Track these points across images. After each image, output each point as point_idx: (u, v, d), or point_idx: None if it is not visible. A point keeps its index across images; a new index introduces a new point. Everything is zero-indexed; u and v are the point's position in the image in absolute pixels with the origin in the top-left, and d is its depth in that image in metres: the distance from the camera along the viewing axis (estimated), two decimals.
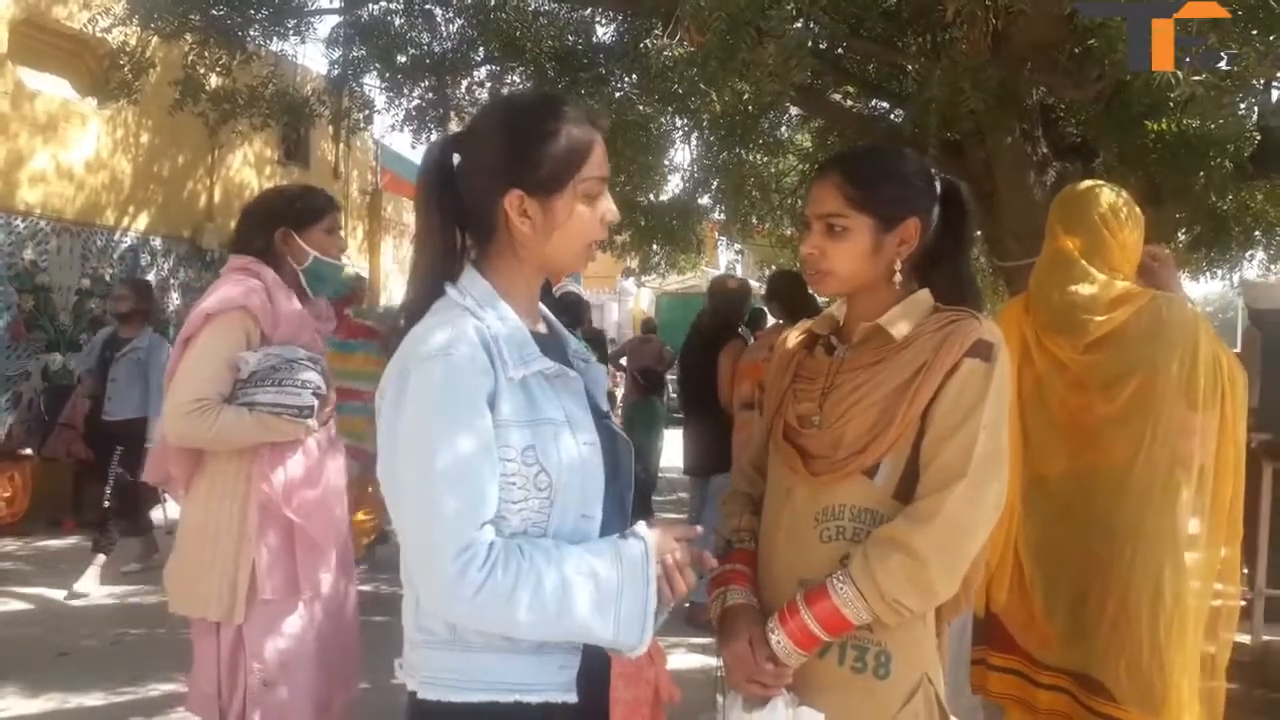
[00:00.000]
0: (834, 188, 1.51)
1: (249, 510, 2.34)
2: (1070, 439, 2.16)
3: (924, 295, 1.54)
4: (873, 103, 6.01)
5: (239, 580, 2.31)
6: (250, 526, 2.33)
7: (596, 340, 7.69)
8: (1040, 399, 2.20)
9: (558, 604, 1.16)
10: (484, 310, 1.27)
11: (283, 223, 2.47)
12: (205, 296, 2.39)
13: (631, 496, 1.40)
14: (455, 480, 1.15)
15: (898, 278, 1.53)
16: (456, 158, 1.33)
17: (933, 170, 1.59)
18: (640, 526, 1.29)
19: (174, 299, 9.10)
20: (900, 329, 1.49)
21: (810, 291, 4.51)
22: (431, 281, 1.30)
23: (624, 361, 8.55)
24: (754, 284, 12.69)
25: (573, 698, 1.24)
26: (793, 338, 1.71)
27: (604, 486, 1.29)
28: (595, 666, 1.28)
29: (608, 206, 1.34)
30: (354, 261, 11.58)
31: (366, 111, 7.05)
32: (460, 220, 1.33)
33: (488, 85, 6.62)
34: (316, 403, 2.37)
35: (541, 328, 1.40)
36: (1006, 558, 2.22)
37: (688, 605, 4.69)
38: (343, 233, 2.67)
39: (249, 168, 10.12)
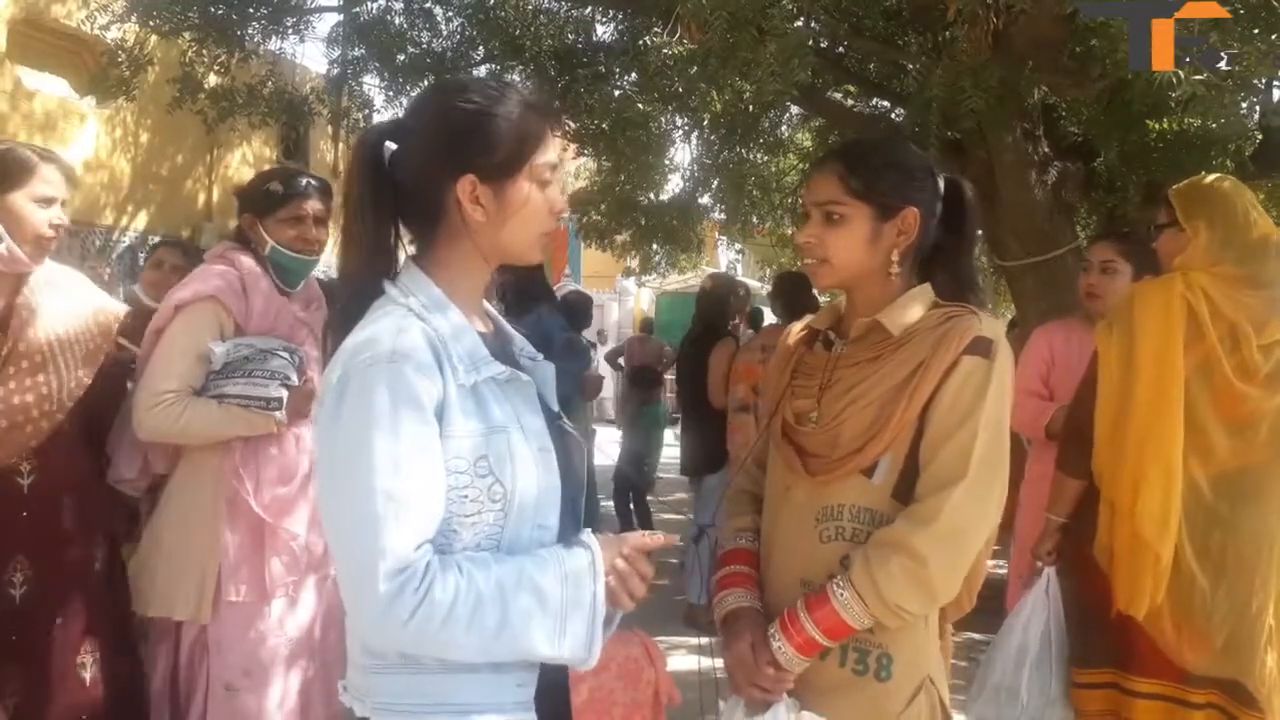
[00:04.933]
0: (833, 175, 1.50)
1: (219, 506, 2.23)
2: (1226, 432, 2.05)
3: (923, 290, 1.52)
4: (874, 101, 6.00)
5: (206, 579, 2.21)
6: (219, 523, 2.23)
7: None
8: (1206, 382, 2.06)
9: (498, 622, 1.11)
10: (431, 313, 1.19)
11: (247, 208, 2.38)
12: (181, 286, 2.31)
13: (584, 500, 1.34)
14: (394, 498, 1.08)
15: (894, 269, 1.50)
16: (391, 146, 1.25)
17: (933, 166, 1.57)
18: (586, 534, 1.23)
19: None
20: (898, 324, 1.47)
21: (813, 293, 4.50)
22: (368, 278, 1.23)
23: (622, 361, 8.51)
24: (754, 284, 12.71)
25: (532, 716, 1.21)
26: (794, 334, 1.69)
27: (559, 493, 1.24)
28: (553, 682, 1.26)
29: (557, 196, 1.27)
30: None
31: (366, 111, 7.02)
32: (397, 212, 1.25)
33: None
34: (285, 394, 2.25)
35: (487, 327, 1.33)
36: (1165, 560, 2.04)
37: (687, 606, 4.68)
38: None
39: (248, 167, 10.09)
